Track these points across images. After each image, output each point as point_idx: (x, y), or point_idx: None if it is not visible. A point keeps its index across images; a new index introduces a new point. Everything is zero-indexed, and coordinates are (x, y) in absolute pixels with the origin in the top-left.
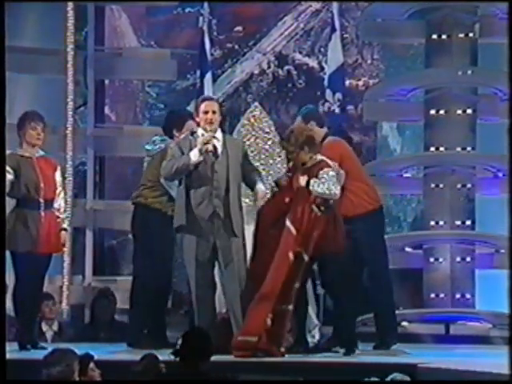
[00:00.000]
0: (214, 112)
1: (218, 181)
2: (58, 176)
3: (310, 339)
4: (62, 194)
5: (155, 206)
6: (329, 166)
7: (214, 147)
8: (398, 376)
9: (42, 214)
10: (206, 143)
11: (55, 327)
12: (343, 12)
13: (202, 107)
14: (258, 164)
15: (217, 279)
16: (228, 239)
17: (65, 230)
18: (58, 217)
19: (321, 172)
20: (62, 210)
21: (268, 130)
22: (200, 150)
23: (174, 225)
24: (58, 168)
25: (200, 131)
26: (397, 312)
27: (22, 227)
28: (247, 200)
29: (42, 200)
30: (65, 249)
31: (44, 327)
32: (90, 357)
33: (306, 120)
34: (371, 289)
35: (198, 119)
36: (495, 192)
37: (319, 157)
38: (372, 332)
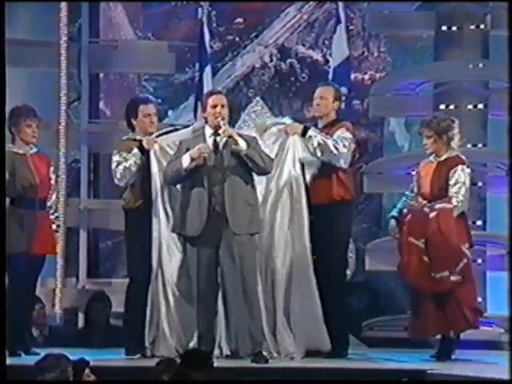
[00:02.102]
0: (222, 106)
1: (217, 178)
2: (51, 173)
3: None
4: (55, 193)
5: (130, 205)
6: (464, 164)
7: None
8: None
9: (38, 213)
10: (199, 155)
11: (46, 332)
12: (349, 3)
13: (210, 101)
14: None
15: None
16: (229, 238)
17: (55, 231)
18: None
19: (453, 171)
20: (53, 209)
21: None
22: (191, 155)
23: (172, 225)
24: (52, 165)
25: (208, 129)
26: (404, 316)
27: (17, 227)
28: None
29: (37, 199)
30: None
31: (34, 332)
32: (85, 362)
33: (337, 95)
34: (324, 287)
35: (204, 114)
36: (507, 191)
37: (455, 152)
38: (379, 337)
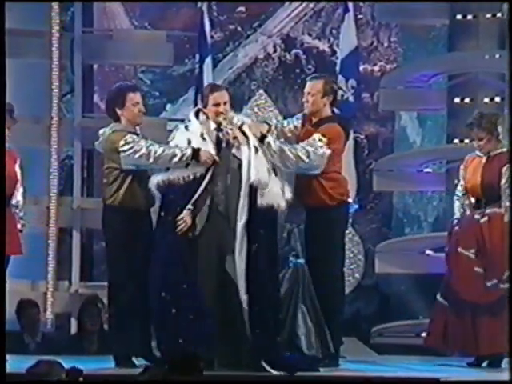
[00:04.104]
0: (225, 103)
1: (219, 177)
2: (17, 169)
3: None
4: (21, 190)
5: (110, 202)
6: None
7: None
8: None
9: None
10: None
11: (38, 339)
12: None
13: (212, 99)
14: None
15: None
16: (230, 239)
17: (20, 230)
18: (16, 215)
19: (505, 169)
20: (20, 207)
21: (274, 121)
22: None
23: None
24: (18, 160)
25: (212, 125)
26: (416, 322)
27: None
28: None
29: (5, 197)
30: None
31: (26, 339)
32: (78, 371)
33: (328, 88)
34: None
35: (205, 110)
36: None
37: (504, 147)
38: (389, 343)
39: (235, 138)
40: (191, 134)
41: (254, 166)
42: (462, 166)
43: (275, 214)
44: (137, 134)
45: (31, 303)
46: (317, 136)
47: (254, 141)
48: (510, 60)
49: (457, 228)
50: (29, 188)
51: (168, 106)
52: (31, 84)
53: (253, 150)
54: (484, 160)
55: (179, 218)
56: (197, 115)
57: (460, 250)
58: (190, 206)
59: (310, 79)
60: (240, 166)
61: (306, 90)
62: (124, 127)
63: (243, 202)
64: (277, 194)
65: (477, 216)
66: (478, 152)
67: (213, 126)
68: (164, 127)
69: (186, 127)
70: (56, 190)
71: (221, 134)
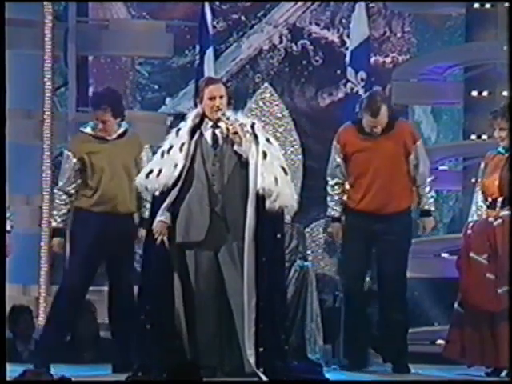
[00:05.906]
0: (221, 97)
1: (216, 176)
2: None
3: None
4: (7, 189)
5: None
6: None
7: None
8: None
9: None
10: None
11: (32, 346)
12: None
13: (207, 93)
14: None
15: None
16: (230, 243)
17: (8, 231)
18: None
19: None
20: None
21: (280, 115)
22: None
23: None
24: None
25: (206, 121)
26: (432, 328)
27: None
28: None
29: (5, 197)
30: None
31: (19, 347)
32: (66, 380)
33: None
34: (386, 298)
35: (201, 105)
36: None
37: None
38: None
39: (236, 133)
40: (179, 139)
41: (261, 172)
42: (482, 164)
43: (284, 216)
44: (106, 140)
45: (24, 309)
46: (419, 143)
47: (263, 145)
48: (509, 57)
49: (470, 232)
50: (20, 186)
51: (168, 100)
52: (23, 76)
53: (261, 155)
54: (505, 158)
55: (152, 228)
56: (200, 121)
57: (472, 254)
58: (159, 218)
59: (373, 116)
60: (240, 163)
61: (376, 123)
62: (93, 132)
63: (250, 209)
64: (288, 195)
65: (491, 219)
66: (500, 149)
67: (209, 123)
68: (164, 122)
69: (178, 131)
70: (49, 188)
71: (217, 131)
